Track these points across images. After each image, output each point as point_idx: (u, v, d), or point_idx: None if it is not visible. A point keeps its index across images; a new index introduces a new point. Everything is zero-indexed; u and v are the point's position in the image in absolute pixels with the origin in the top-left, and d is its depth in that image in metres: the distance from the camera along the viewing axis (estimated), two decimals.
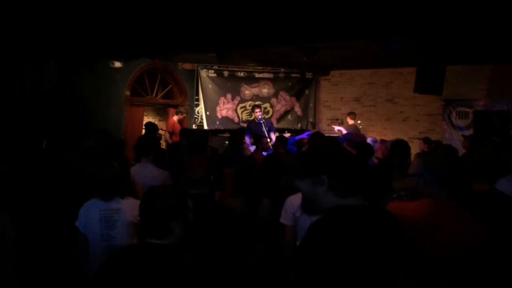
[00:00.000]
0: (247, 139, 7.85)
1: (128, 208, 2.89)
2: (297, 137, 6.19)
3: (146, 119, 11.00)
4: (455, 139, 9.01)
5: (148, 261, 1.66)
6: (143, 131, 9.70)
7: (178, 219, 1.80)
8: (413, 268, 1.98)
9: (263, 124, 7.88)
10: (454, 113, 9.31)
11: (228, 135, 9.16)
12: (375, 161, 5.74)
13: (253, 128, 8.03)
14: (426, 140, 7.75)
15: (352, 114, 9.55)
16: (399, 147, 5.06)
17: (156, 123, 11.63)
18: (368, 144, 5.59)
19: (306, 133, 7.07)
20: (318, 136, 4.58)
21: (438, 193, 2.05)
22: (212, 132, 9.05)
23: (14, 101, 6.98)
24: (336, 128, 9.17)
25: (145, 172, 3.69)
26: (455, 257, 1.93)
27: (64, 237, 3.05)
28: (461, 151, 6.63)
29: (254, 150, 6.34)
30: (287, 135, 8.32)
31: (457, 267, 1.93)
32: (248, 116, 10.18)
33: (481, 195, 2.34)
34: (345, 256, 1.40)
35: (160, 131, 10.23)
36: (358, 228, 1.46)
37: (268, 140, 7.41)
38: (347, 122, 9.60)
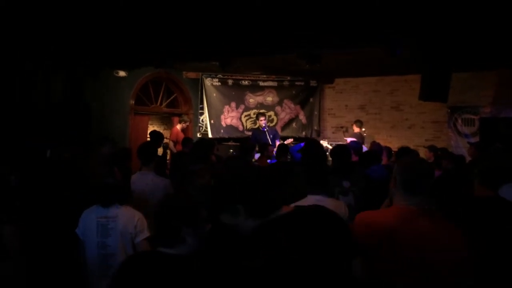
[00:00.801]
0: None
1: (125, 216, 2.88)
2: (302, 144, 6.14)
3: (151, 128, 11.04)
4: (461, 146, 8.95)
5: (156, 271, 1.64)
6: (148, 139, 9.74)
7: (190, 227, 1.77)
8: (381, 273, 1.96)
9: (267, 132, 7.85)
10: (459, 120, 9.25)
11: (233, 143, 9.15)
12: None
13: (258, 136, 8.00)
14: (431, 148, 7.67)
15: (358, 122, 9.50)
16: (405, 154, 5.03)
17: (161, 131, 11.66)
18: (373, 152, 5.55)
19: (300, 144, 7.04)
20: (312, 145, 4.53)
21: (407, 199, 2.00)
22: (217, 140, 9.03)
23: (21, 111, 7.02)
24: (349, 139, 9.11)
25: (146, 180, 3.68)
26: (418, 263, 1.88)
27: (65, 245, 3.05)
28: (468, 158, 6.59)
29: (259, 158, 6.30)
30: (288, 141, 8.25)
31: (422, 274, 1.88)
32: (252, 125, 10.17)
33: (483, 201, 2.31)
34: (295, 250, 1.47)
35: (164, 140, 10.25)
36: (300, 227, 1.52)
37: (274, 148, 7.39)
38: (353, 130, 9.55)
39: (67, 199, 3.46)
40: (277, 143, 7.87)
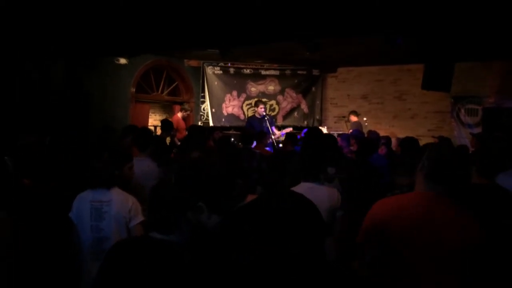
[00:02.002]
0: None
1: (119, 200, 2.87)
2: (298, 136, 6.13)
3: (152, 116, 11.03)
4: (464, 137, 8.89)
5: (144, 256, 1.62)
6: (153, 128, 9.73)
7: (186, 214, 1.74)
8: (399, 260, 1.99)
9: (267, 120, 7.79)
10: (463, 110, 9.17)
11: (234, 132, 9.12)
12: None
13: (254, 124, 7.94)
14: (441, 139, 7.64)
15: (354, 112, 9.50)
16: (408, 144, 4.99)
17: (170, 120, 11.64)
18: (371, 140, 5.52)
19: (304, 130, 6.97)
20: (315, 132, 4.49)
21: (430, 186, 2.01)
22: (217, 129, 9.00)
23: (20, 100, 7.01)
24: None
25: (142, 166, 3.66)
26: (446, 252, 1.91)
27: (60, 229, 3.05)
28: (471, 149, 6.54)
29: (256, 145, 6.28)
30: (287, 130, 8.23)
31: (443, 262, 1.91)
32: (254, 113, 10.13)
33: (479, 189, 2.31)
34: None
35: None
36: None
37: (272, 135, 7.36)
38: (351, 120, 9.53)
39: (62, 185, 3.46)
40: (274, 130, 7.84)
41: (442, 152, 2.09)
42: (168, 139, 6.85)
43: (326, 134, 4.27)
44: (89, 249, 2.85)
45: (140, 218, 2.86)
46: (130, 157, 3.37)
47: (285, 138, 6.53)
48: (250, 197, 2.05)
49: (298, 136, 6.23)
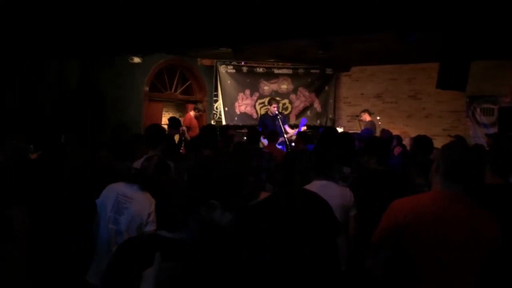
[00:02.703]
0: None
1: (141, 201, 2.91)
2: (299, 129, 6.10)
3: (165, 115, 11.08)
4: (479, 136, 8.75)
5: (151, 252, 1.62)
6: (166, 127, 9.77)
7: (196, 212, 1.74)
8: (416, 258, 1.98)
9: (279, 119, 7.77)
10: (478, 110, 9.04)
11: (246, 131, 9.11)
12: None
13: (266, 122, 7.91)
14: (457, 138, 7.55)
15: (366, 111, 9.41)
16: (421, 143, 4.91)
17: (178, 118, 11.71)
18: (381, 140, 5.46)
19: (320, 129, 6.93)
20: (330, 131, 4.47)
21: (447, 185, 2.00)
22: (231, 128, 9.00)
23: (35, 99, 7.11)
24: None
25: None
26: (465, 252, 1.88)
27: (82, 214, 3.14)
28: (487, 149, 6.44)
29: (268, 145, 6.27)
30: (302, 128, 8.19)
31: (460, 261, 1.90)
32: (266, 112, 10.12)
33: (494, 189, 2.28)
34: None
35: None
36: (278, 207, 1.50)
37: (285, 134, 7.34)
38: (364, 119, 9.44)
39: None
40: (287, 128, 7.80)
41: (458, 150, 2.07)
42: (176, 137, 6.86)
43: (342, 132, 4.22)
44: (105, 240, 2.93)
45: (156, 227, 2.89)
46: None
47: (296, 137, 6.51)
48: (263, 195, 2.04)
49: (299, 128, 6.19)
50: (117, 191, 2.97)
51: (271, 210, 1.51)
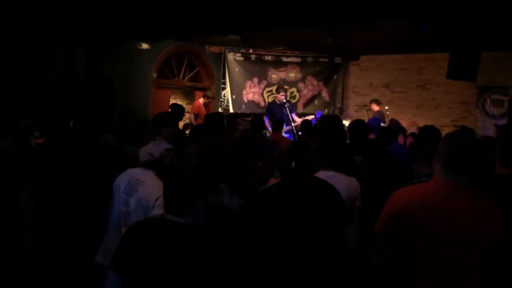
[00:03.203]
0: (266, 120, 7.71)
1: (151, 185, 2.98)
2: (319, 113, 6.09)
3: (173, 102, 11.09)
4: (489, 128, 8.67)
5: (159, 237, 1.64)
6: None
7: (203, 196, 1.74)
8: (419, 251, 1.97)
9: (287, 107, 7.74)
10: (488, 101, 8.94)
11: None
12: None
13: (274, 110, 7.89)
14: (463, 129, 7.52)
15: (375, 101, 9.31)
16: (428, 132, 4.90)
17: (184, 106, 11.70)
18: (389, 129, 5.46)
19: (317, 113, 6.86)
20: (335, 121, 4.45)
21: (447, 175, 1.98)
22: (238, 116, 8.99)
23: (43, 85, 7.15)
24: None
25: (159, 150, 3.69)
26: (466, 242, 1.87)
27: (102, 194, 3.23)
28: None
29: (274, 133, 6.26)
30: (310, 117, 8.16)
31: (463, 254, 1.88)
32: (274, 100, 10.09)
33: (501, 179, 2.27)
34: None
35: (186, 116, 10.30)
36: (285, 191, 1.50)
37: (292, 123, 7.33)
38: (373, 109, 9.38)
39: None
40: (294, 117, 7.78)
41: (459, 139, 2.03)
42: (180, 124, 6.82)
43: (355, 120, 4.21)
44: (116, 220, 3.04)
45: (162, 211, 2.92)
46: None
47: (300, 127, 6.49)
48: (272, 181, 2.04)
49: (313, 120, 6.17)
50: (131, 174, 3.10)
51: (277, 199, 1.51)
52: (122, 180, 3.12)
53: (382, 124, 6.71)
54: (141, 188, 2.98)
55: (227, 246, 1.55)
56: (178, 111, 6.85)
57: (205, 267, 1.53)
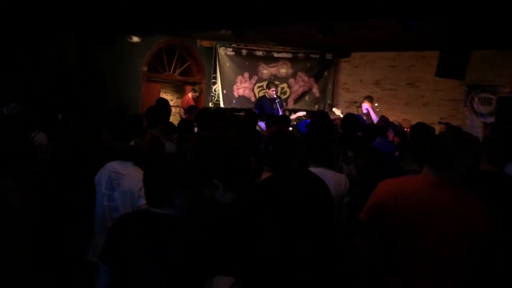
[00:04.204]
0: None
1: (133, 176, 2.94)
2: (309, 120, 6.08)
3: (163, 96, 11.04)
4: (476, 126, 8.78)
5: (143, 228, 1.66)
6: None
7: (182, 190, 1.75)
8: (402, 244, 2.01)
9: (277, 103, 7.75)
10: (476, 99, 9.04)
11: (244, 114, 9.09)
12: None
13: (264, 105, 7.89)
14: (448, 126, 7.63)
15: (369, 98, 9.37)
16: (419, 130, 4.94)
17: (174, 100, 11.66)
18: (374, 125, 5.51)
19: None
20: (324, 117, 4.46)
21: (432, 172, 2.03)
22: (229, 111, 8.98)
23: (33, 77, 7.07)
24: (365, 107, 8.93)
25: None
26: (437, 235, 1.91)
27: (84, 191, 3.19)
28: (481, 138, 6.47)
29: (267, 129, 6.25)
30: (300, 114, 8.20)
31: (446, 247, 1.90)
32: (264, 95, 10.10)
33: (485, 176, 2.31)
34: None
35: (174, 108, 10.27)
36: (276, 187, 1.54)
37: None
38: (363, 106, 9.44)
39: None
40: (281, 113, 7.79)
41: (444, 138, 2.09)
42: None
43: (347, 114, 4.23)
44: (101, 217, 2.99)
45: None
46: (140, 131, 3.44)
47: (280, 123, 6.48)
48: (265, 174, 2.05)
49: (306, 121, 6.17)
50: (110, 168, 3.04)
51: (274, 198, 1.52)
52: (103, 175, 3.07)
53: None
54: (123, 181, 2.95)
55: (218, 238, 1.56)
56: (163, 105, 6.83)
57: (195, 258, 1.54)
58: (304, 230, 1.50)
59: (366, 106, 8.72)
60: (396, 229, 2.02)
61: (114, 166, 3.04)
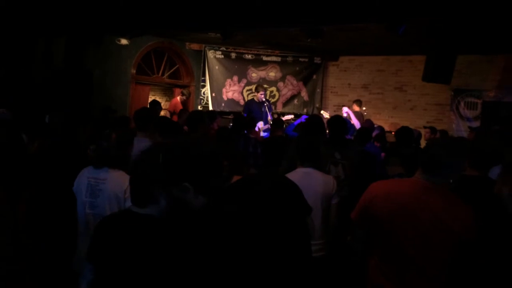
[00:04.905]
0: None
1: (114, 179, 2.90)
2: (296, 122, 6.10)
3: (152, 98, 11.01)
4: (462, 130, 8.89)
5: (125, 229, 1.65)
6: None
7: (167, 189, 1.74)
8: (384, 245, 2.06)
9: (266, 106, 7.77)
10: (462, 104, 9.16)
11: (233, 117, 9.10)
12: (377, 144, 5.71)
13: (252, 108, 7.90)
14: (432, 130, 7.74)
15: (358, 102, 9.45)
16: (403, 134, 5.00)
17: (163, 103, 11.63)
18: (366, 129, 5.56)
19: (303, 116, 6.94)
20: (315, 119, 4.50)
21: (424, 176, 2.07)
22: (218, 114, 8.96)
23: (21, 77, 7.00)
24: (345, 110, 8.99)
25: (140, 146, 3.65)
26: (426, 237, 1.95)
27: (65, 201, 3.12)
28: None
29: (250, 132, 6.27)
30: (288, 117, 8.22)
31: (433, 249, 1.94)
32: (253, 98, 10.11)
33: (468, 180, 2.35)
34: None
35: (164, 111, 10.24)
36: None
37: (270, 122, 7.35)
38: (353, 109, 9.50)
39: (65, 161, 3.51)
40: (271, 117, 7.82)
41: (438, 144, 2.13)
42: None
43: (334, 116, 4.27)
44: (84, 224, 2.90)
45: None
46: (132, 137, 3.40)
47: (271, 125, 6.51)
48: (235, 178, 2.06)
49: (297, 121, 6.20)
50: (87, 175, 2.96)
51: (239, 193, 1.53)
52: (81, 183, 2.98)
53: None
54: (105, 186, 2.89)
55: (188, 238, 1.57)
56: (154, 107, 6.85)
57: (168, 258, 1.54)
58: (267, 226, 1.52)
59: (346, 110, 8.73)
60: (383, 227, 2.07)
61: (91, 172, 2.97)
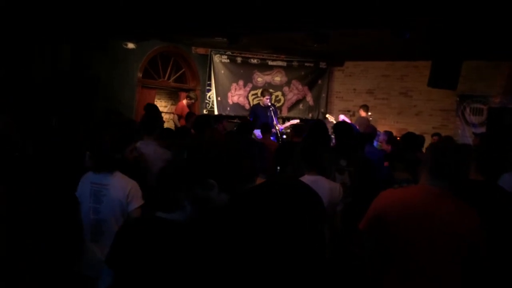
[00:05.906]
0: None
1: (117, 185, 2.89)
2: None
3: (157, 102, 11.06)
4: (467, 136, 8.87)
5: (153, 235, 1.66)
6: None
7: (191, 192, 1.75)
8: (395, 252, 2.05)
9: (272, 111, 7.80)
10: (468, 109, 9.14)
11: (239, 121, 9.13)
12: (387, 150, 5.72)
13: (258, 113, 7.93)
14: (440, 137, 7.73)
15: (364, 107, 9.45)
16: (409, 140, 5.01)
17: (168, 106, 11.68)
18: (365, 133, 5.59)
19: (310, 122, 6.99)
20: (320, 125, 4.51)
21: (433, 181, 2.07)
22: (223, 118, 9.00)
23: (29, 82, 7.06)
24: (341, 118, 8.99)
25: (147, 151, 3.68)
26: (442, 245, 1.94)
27: (66, 207, 3.12)
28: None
29: (263, 136, 6.28)
30: (294, 122, 8.24)
31: (444, 256, 1.94)
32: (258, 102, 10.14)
33: (474, 185, 2.35)
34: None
35: (168, 115, 10.28)
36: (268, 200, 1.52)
37: (276, 126, 7.38)
38: (360, 114, 9.51)
39: (68, 164, 3.52)
40: (276, 121, 7.84)
41: (445, 150, 2.13)
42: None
43: (340, 122, 4.24)
44: (89, 230, 2.89)
45: (140, 202, 2.87)
46: (130, 139, 3.38)
47: (292, 130, 6.53)
48: (259, 180, 2.08)
49: None
50: (90, 180, 2.94)
51: (264, 201, 1.54)
52: (83, 188, 2.95)
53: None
54: (109, 192, 2.87)
55: (212, 245, 1.58)
56: (151, 111, 6.84)
57: (197, 265, 1.56)
58: (290, 236, 1.52)
59: (342, 117, 8.76)
60: (394, 236, 2.06)
61: (94, 177, 2.94)
